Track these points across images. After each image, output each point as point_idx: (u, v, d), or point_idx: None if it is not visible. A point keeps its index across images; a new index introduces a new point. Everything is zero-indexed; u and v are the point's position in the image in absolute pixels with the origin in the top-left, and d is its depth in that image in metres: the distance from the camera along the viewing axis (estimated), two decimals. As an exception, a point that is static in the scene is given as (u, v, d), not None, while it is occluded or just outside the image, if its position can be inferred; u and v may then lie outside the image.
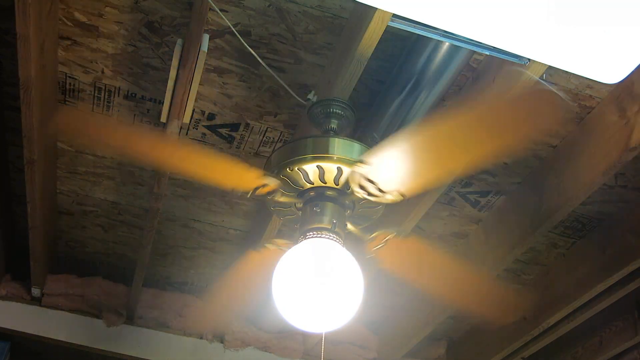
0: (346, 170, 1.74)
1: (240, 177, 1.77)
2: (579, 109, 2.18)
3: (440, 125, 1.54)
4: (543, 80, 1.96)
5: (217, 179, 1.78)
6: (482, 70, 2.07)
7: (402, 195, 1.71)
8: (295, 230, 1.87)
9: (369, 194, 1.72)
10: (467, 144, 1.57)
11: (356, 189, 1.73)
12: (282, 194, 1.83)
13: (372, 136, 2.07)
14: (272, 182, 1.78)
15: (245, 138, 2.38)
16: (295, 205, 1.88)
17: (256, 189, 1.77)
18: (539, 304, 2.89)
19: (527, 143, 1.72)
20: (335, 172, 1.75)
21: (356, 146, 1.78)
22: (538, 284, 2.94)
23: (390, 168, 1.66)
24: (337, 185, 1.78)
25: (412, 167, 1.66)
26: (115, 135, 1.81)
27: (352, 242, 1.84)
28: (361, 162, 1.67)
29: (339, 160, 1.74)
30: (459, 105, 1.77)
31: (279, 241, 1.88)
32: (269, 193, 1.80)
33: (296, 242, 1.80)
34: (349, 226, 1.85)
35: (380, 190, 1.70)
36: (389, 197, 1.72)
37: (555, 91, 1.45)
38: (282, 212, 1.93)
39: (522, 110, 1.49)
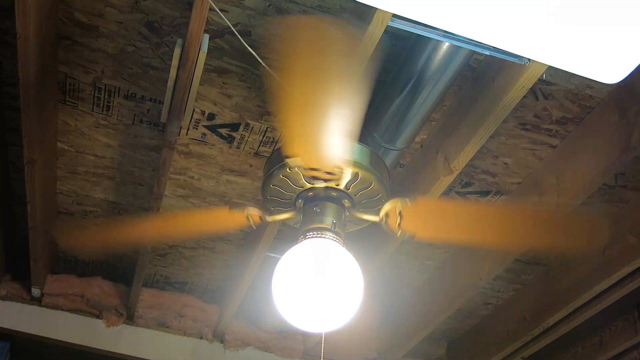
0: (347, 170, 1.74)
1: (228, 219, 1.86)
2: (579, 109, 2.18)
3: (483, 207, 1.57)
4: (543, 79, 1.97)
5: (210, 231, 1.86)
6: (482, 70, 2.07)
7: (412, 237, 1.76)
8: (296, 230, 1.87)
9: (386, 221, 1.77)
10: (495, 228, 1.63)
11: (381, 213, 1.77)
12: (275, 212, 1.87)
13: (372, 136, 2.07)
14: (253, 211, 1.84)
15: (245, 138, 2.38)
16: (294, 206, 1.88)
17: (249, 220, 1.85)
18: (539, 304, 2.89)
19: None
20: (343, 173, 1.75)
21: (356, 146, 1.78)
22: (538, 284, 2.94)
23: (424, 215, 1.72)
24: (338, 185, 1.79)
25: (439, 224, 1.73)
26: (111, 234, 2.02)
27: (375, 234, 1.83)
28: (413, 199, 1.72)
29: (347, 162, 1.74)
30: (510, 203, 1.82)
31: (252, 211, 1.87)
32: (262, 218, 1.86)
33: (296, 242, 1.81)
34: (363, 215, 1.85)
35: (399, 226, 1.74)
36: (399, 233, 1.78)
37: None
38: (281, 212, 1.93)
39: (553, 230, 1.54)
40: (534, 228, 1.82)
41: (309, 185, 1.80)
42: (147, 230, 2.06)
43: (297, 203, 1.86)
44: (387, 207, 1.76)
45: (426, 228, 1.77)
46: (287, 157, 1.64)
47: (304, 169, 1.68)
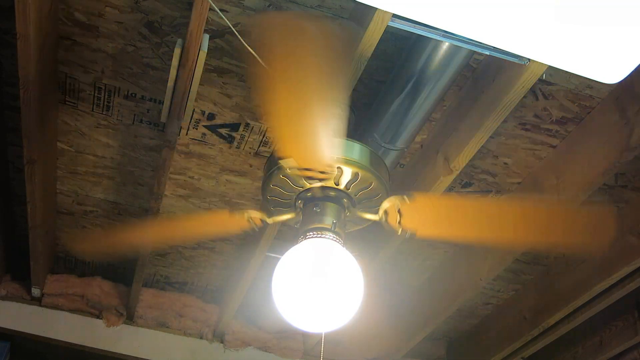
0: (347, 170, 1.74)
1: (228, 222, 1.86)
2: (579, 109, 2.18)
3: (483, 202, 1.64)
4: (543, 79, 1.97)
5: (211, 234, 1.84)
6: (482, 70, 2.07)
7: (413, 235, 1.75)
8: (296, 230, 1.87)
9: (386, 220, 1.76)
10: (497, 225, 1.64)
11: (380, 212, 1.76)
12: (275, 214, 1.88)
13: (372, 136, 2.07)
14: (254, 214, 1.84)
15: (245, 138, 2.38)
16: (293, 205, 1.88)
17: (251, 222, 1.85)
18: (539, 304, 2.89)
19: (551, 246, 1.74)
20: (335, 172, 1.75)
21: (356, 146, 1.78)
22: (538, 284, 2.94)
23: (424, 212, 1.71)
24: (338, 185, 1.79)
25: (439, 221, 1.72)
26: (111, 239, 2.03)
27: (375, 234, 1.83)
28: (410, 196, 1.70)
29: (339, 160, 1.74)
30: (513, 198, 1.81)
31: (254, 214, 1.87)
32: (263, 221, 1.86)
33: (296, 242, 1.81)
34: (363, 215, 1.85)
35: (399, 223, 1.73)
36: (399, 231, 1.77)
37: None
38: (281, 212, 1.93)
39: (559, 225, 1.54)
40: (535, 225, 1.78)
41: (309, 185, 1.80)
42: (148, 233, 2.06)
43: (297, 203, 1.86)
44: (385, 205, 1.75)
45: (426, 225, 1.77)
46: (280, 158, 1.64)
47: (297, 169, 1.67)
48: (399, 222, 1.74)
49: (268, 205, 1.91)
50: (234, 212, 1.83)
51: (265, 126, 2.32)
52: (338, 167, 1.74)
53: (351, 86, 1.94)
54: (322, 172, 1.68)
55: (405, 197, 1.71)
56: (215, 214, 1.99)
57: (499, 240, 1.87)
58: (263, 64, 1.93)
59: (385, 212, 1.75)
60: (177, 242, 2.14)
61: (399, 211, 1.71)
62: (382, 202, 1.79)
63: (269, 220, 1.87)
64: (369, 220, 1.87)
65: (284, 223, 2.02)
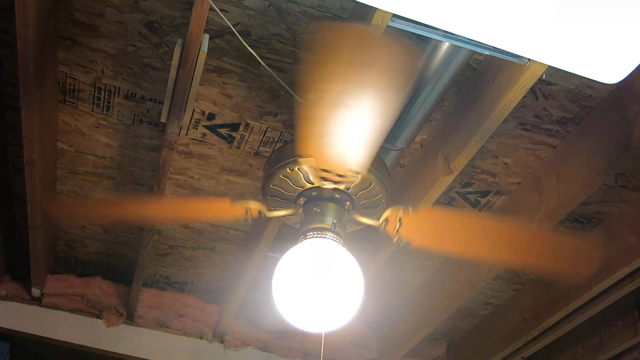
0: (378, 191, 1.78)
1: (229, 209, 1.84)
2: (579, 109, 2.18)
3: (483, 219, 1.69)
4: (543, 79, 1.97)
5: (208, 218, 1.84)
6: (482, 70, 2.07)
7: (406, 244, 1.77)
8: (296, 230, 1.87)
9: (385, 227, 1.78)
10: (491, 243, 1.69)
11: (381, 219, 1.78)
12: (275, 209, 1.87)
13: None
14: (254, 205, 1.83)
15: (245, 138, 2.38)
16: (294, 205, 1.88)
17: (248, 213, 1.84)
18: (539, 304, 2.89)
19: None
20: (355, 178, 1.76)
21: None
22: (538, 284, 2.94)
23: (423, 224, 1.73)
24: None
25: (436, 233, 1.74)
26: (107, 209, 2.00)
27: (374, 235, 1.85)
28: (414, 208, 1.73)
29: (365, 167, 1.74)
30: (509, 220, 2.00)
31: (253, 204, 1.86)
32: (261, 213, 1.85)
33: (296, 242, 1.81)
34: (361, 218, 1.85)
35: (397, 232, 1.74)
36: (395, 238, 1.78)
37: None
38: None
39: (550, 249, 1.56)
40: (526, 248, 1.85)
41: (309, 186, 1.80)
42: (148, 210, 2.04)
43: (297, 203, 1.86)
44: (388, 213, 1.77)
45: (424, 237, 1.79)
46: (300, 155, 1.63)
47: (315, 169, 1.68)
48: (397, 231, 1.76)
49: (268, 204, 1.91)
50: (236, 202, 1.83)
51: (265, 126, 2.32)
52: (355, 173, 1.72)
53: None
54: (339, 176, 1.69)
55: (409, 207, 1.72)
56: (217, 200, 1.98)
57: (489, 259, 1.93)
58: (263, 64, 1.94)
59: (386, 220, 1.77)
60: (174, 221, 2.13)
61: (399, 220, 1.72)
62: (382, 202, 1.80)
63: (268, 214, 1.86)
64: (368, 224, 1.87)
65: (284, 223, 2.02)
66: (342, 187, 1.75)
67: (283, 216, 1.90)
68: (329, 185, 1.74)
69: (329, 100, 1.40)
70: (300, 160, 1.66)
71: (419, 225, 1.74)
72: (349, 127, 1.46)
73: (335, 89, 1.36)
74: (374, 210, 1.86)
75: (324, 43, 1.29)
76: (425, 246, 1.77)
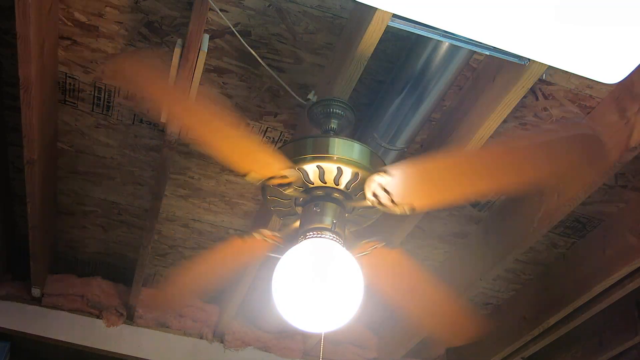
0: (347, 170, 1.75)
1: (261, 160, 1.71)
2: (579, 109, 2.18)
3: (460, 155, 1.63)
4: (543, 79, 1.97)
5: (235, 156, 1.70)
6: (482, 70, 2.07)
7: (413, 209, 1.73)
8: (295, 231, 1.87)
9: (380, 202, 1.74)
10: (483, 175, 1.62)
11: (369, 195, 1.74)
12: (294, 189, 1.81)
13: (372, 136, 2.07)
14: (292, 175, 1.74)
15: (245, 138, 2.37)
16: (294, 203, 1.88)
17: (272, 178, 1.73)
18: (539, 304, 2.89)
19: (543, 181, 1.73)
20: (335, 172, 1.75)
21: (356, 146, 1.78)
22: (538, 284, 2.94)
23: (408, 183, 1.68)
24: (338, 185, 1.79)
25: (427, 187, 1.69)
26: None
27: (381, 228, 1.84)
28: (384, 172, 1.68)
29: (339, 160, 1.74)
30: (487, 144, 1.91)
31: (266, 232, 1.88)
32: (282, 185, 1.76)
33: (296, 242, 1.81)
34: (358, 203, 1.84)
35: (392, 202, 1.72)
36: (398, 209, 1.74)
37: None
38: (281, 212, 1.93)
39: (544, 153, 1.53)
40: (520, 164, 1.66)
41: (308, 185, 1.80)
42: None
43: (297, 202, 1.86)
44: (368, 187, 1.73)
45: (418, 195, 1.71)
46: (244, 175, 1.70)
47: (263, 180, 1.71)
48: (392, 201, 1.73)
49: (268, 204, 1.91)
50: (245, 238, 1.87)
51: (265, 126, 2.32)
52: (338, 168, 1.74)
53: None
54: (283, 177, 1.71)
55: (381, 172, 1.69)
56: (229, 245, 1.98)
57: (488, 188, 1.82)
58: (263, 64, 1.94)
59: (374, 195, 1.73)
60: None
61: (385, 190, 1.70)
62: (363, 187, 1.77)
63: (280, 235, 1.88)
64: (364, 208, 1.85)
65: (283, 223, 2.02)
66: (381, 208, 1.76)
67: (284, 203, 1.89)
68: (369, 202, 1.75)
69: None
70: (247, 178, 1.72)
71: (407, 186, 1.71)
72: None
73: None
74: (372, 210, 1.87)
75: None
76: (426, 203, 1.74)
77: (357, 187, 1.78)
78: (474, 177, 1.64)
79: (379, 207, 1.75)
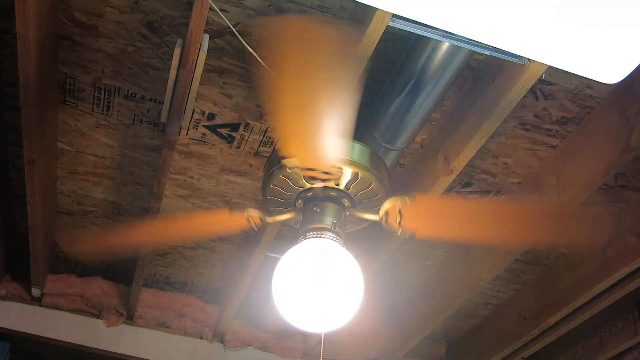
0: (347, 170, 1.75)
1: (228, 221, 1.84)
2: (579, 109, 2.18)
3: (484, 203, 1.69)
4: (543, 79, 1.97)
5: (212, 233, 1.86)
6: (482, 70, 2.07)
7: (413, 235, 1.75)
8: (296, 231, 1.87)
9: (386, 220, 1.76)
10: (497, 225, 1.68)
11: (382, 212, 1.76)
12: (275, 213, 1.87)
13: (372, 136, 2.07)
14: (254, 213, 1.83)
15: (245, 138, 2.38)
16: (294, 203, 1.88)
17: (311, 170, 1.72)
18: (539, 304, 2.89)
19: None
20: (339, 173, 1.75)
21: (356, 146, 1.78)
22: (538, 284, 2.94)
23: (423, 213, 1.72)
24: (338, 185, 1.79)
25: (438, 221, 1.72)
26: (105, 240, 2.01)
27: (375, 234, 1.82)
28: (412, 197, 1.70)
29: (343, 161, 1.74)
30: (512, 199, 2.03)
31: (253, 213, 1.86)
32: (263, 220, 1.85)
33: (296, 242, 1.81)
34: (364, 215, 1.84)
35: (399, 225, 1.73)
36: (399, 232, 1.76)
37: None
38: (281, 211, 1.93)
39: (553, 227, 1.55)
40: (534, 225, 1.79)
41: (309, 185, 1.80)
42: (148, 233, 2.05)
43: (297, 203, 1.86)
44: (386, 205, 1.75)
45: (426, 226, 1.77)
46: (284, 157, 1.63)
47: (301, 169, 1.67)
48: (399, 223, 1.74)
49: (268, 205, 1.91)
50: (234, 212, 1.83)
51: (265, 126, 2.32)
52: (339, 168, 1.74)
53: (358, 88, 1.94)
54: (325, 173, 1.68)
55: (406, 197, 1.71)
56: (214, 213, 1.98)
57: (499, 241, 1.88)
58: (263, 64, 1.93)
59: (386, 213, 1.75)
60: (176, 242, 2.12)
61: (399, 212, 1.71)
62: (382, 202, 1.79)
63: (269, 220, 1.87)
64: (369, 220, 1.87)
65: (284, 223, 2.02)
66: (332, 184, 1.74)
67: (284, 221, 1.90)
68: (318, 184, 1.74)
69: (294, 99, 1.40)
70: (284, 161, 1.64)
71: (421, 215, 1.72)
72: (318, 122, 1.45)
73: (296, 85, 1.36)
74: (374, 210, 1.86)
75: (266, 41, 1.30)
76: (430, 236, 1.75)
77: (371, 200, 1.79)
78: (488, 225, 1.67)
79: (383, 224, 1.77)
